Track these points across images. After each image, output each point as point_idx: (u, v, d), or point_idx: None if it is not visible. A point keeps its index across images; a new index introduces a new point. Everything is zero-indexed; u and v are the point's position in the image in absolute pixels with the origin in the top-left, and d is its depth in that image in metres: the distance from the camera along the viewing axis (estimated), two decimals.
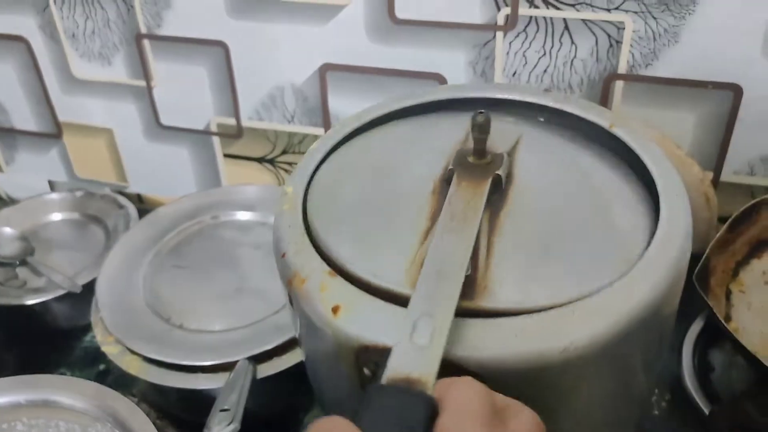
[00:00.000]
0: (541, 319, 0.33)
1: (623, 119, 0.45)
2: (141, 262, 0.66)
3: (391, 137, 0.46)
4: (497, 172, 0.38)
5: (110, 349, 0.58)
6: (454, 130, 0.45)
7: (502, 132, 0.44)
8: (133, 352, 0.57)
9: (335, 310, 0.35)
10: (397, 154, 0.44)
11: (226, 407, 0.48)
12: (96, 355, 0.70)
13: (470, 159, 0.39)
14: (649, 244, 0.36)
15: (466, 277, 0.33)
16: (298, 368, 0.56)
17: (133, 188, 0.89)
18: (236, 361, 0.55)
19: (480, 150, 0.39)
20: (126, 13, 0.74)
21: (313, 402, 0.61)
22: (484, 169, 0.39)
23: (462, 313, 0.33)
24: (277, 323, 0.59)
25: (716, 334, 0.59)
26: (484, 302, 0.33)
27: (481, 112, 0.37)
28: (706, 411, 0.52)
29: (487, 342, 0.32)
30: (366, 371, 0.34)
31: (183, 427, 0.61)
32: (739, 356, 0.57)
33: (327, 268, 0.37)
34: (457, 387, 0.29)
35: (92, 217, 0.81)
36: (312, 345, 0.39)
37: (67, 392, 0.51)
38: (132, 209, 0.79)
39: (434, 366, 0.30)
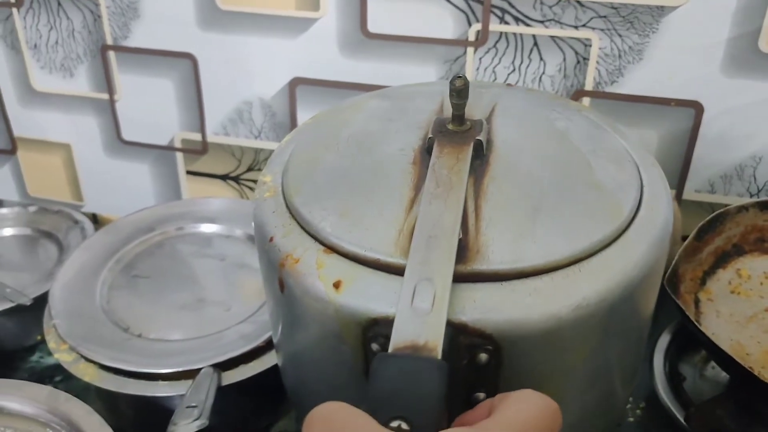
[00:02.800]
0: (551, 278, 0.33)
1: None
2: (99, 271, 0.63)
3: (364, 115, 0.45)
4: (477, 137, 0.38)
5: (64, 357, 0.54)
6: (427, 103, 0.45)
7: (478, 100, 0.44)
8: (88, 360, 0.54)
9: (337, 285, 0.34)
10: (371, 129, 0.43)
11: (192, 404, 0.45)
12: (42, 376, 0.66)
13: (450, 126, 0.39)
14: (637, 205, 0.37)
15: (459, 241, 0.33)
16: (266, 377, 0.54)
17: (88, 207, 0.86)
18: (199, 369, 0.52)
19: (459, 116, 0.39)
20: (92, 24, 0.73)
21: (281, 412, 0.59)
22: (464, 136, 0.39)
23: (461, 278, 0.32)
24: (242, 332, 0.57)
25: (685, 346, 0.59)
26: (479, 265, 0.33)
27: (459, 76, 0.37)
28: (680, 417, 0.52)
29: (502, 304, 0.32)
30: (374, 346, 0.33)
31: None
32: (709, 366, 0.58)
33: (321, 246, 0.36)
34: (524, 396, 0.28)
35: (45, 233, 0.77)
36: (307, 331, 0.37)
37: (17, 397, 0.48)
38: (88, 224, 0.76)
39: (440, 330, 0.29)
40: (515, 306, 0.32)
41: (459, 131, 0.39)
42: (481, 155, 0.38)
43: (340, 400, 0.30)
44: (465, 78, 0.37)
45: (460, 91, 0.38)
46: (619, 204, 0.37)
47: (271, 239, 0.37)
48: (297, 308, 0.36)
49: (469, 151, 0.38)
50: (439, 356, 0.28)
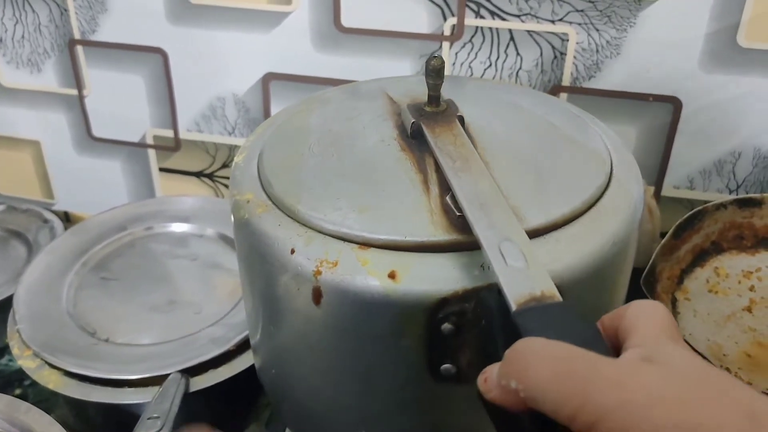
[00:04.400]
0: (583, 224, 0.35)
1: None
2: (66, 273, 0.61)
3: (317, 119, 0.44)
4: (458, 114, 0.39)
5: (27, 363, 0.53)
6: (374, 99, 0.45)
7: (417, 90, 0.44)
8: (52, 367, 0.53)
9: (393, 276, 0.33)
10: (337, 129, 0.42)
11: (155, 415, 0.44)
12: (10, 380, 0.65)
13: (427, 108, 0.39)
14: (608, 149, 0.40)
15: None
16: (236, 382, 0.52)
17: (60, 205, 0.84)
18: (167, 375, 0.51)
19: (436, 97, 0.39)
20: (59, 17, 0.71)
21: (251, 418, 0.58)
22: (444, 115, 0.39)
23: None
24: (213, 336, 0.55)
25: None
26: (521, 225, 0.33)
27: (435, 56, 0.37)
28: None
29: (556, 254, 0.33)
30: (447, 327, 0.33)
31: None
32: None
33: (352, 245, 0.34)
34: (638, 305, 0.28)
35: (14, 233, 0.75)
36: (351, 339, 0.36)
37: None
38: (58, 223, 0.75)
39: (547, 278, 0.30)
40: (567, 253, 0.33)
41: (438, 111, 0.39)
42: (464, 130, 0.39)
43: (389, 401, 0.31)
44: (441, 57, 0.38)
45: (438, 70, 0.38)
46: (597, 151, 0.40)
47: (293, 251, 0.35)
48: (340, 315, 0.34)
49: (459, 126, 0.38)
50: (561, 299, 0.29)
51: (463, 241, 0.33)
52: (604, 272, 0.35)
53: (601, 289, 0.37)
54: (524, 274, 0.30)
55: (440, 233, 0.33)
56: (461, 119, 0.39)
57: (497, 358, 0.28)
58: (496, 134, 0.40)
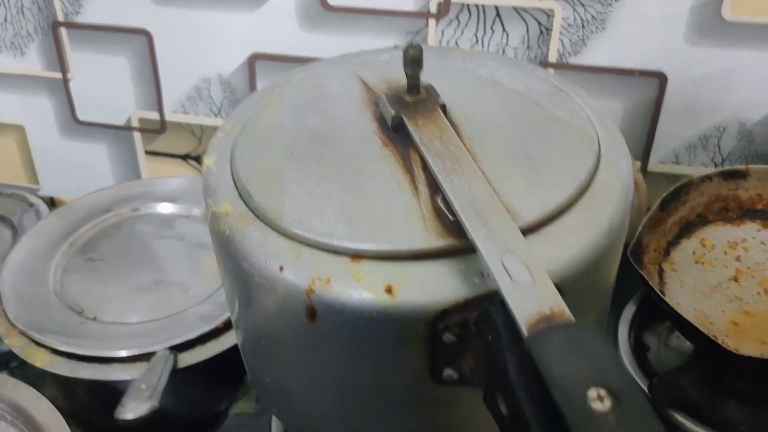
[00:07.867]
0: (578, 212, 0.33)
1: None
2: (52, 253, 0.61)
3: (289, 113, 0.41)
4: (441, 102, 0.37)
5: (14, 342, 0.53)
6: (346, 85, 0.42)
7: (386, 70, 0.42)
8: (39, 345, 0.52)
9: (389, 290, 0.31)
10: (313, 126, 0.40)
11: (142, 386, 0.43)
12: None
13: (407, 98, 0.37)
14: (593, 126, 0.39)
15: None
16: (224, 358, 0.52)
17: (45, 191, 0.84)
18: (154, 352, 0.51)
19: (416, 86, 0.37)
20: None
21: (240, 393, 0.58)
22: (426, 104, 0.37)
23: None
24: (200, 313, 0.55)
25: (649, 316, 0.59)
26: (517, 224, 0.32)
27: (413, 45, 0.35)
28: (644, 387, 0.51)
29: (554, 252, 0.32)
30: (448, 337, 0.32)
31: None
32: (674, 335, 0.58)
33: (345, 258, 0.32)
34: None
35: None
36: (348, 353, 0.35)
37: None
38: (43, 207, 0.74)
39: (555, 295, 0.28)
40: (565, 250, 0.32)
41: (418, 100, 0.37)
42: (447, 118, 0.37)
43: (390, 406, 0.30)
44: (419, 46, 0.36)
45: (417, 60, 0.36)
46: (583, 129, 0.38)
47: (282, 268, 0.33)
48: (337, 331, 0.33)
49: (442, 116, 0.36)
50: (573, 319, 0.27)
51: (460, 246, 0.32)
52: (602, 261, 0.34)
53: (599, 277, 0.36)
54: (531, 291, 0.28)
55: (435, 239, 0.32)
56: (444, 107, 0.37)
57: (503, 365, 0.27)
58: (480, 120, 0.38)
